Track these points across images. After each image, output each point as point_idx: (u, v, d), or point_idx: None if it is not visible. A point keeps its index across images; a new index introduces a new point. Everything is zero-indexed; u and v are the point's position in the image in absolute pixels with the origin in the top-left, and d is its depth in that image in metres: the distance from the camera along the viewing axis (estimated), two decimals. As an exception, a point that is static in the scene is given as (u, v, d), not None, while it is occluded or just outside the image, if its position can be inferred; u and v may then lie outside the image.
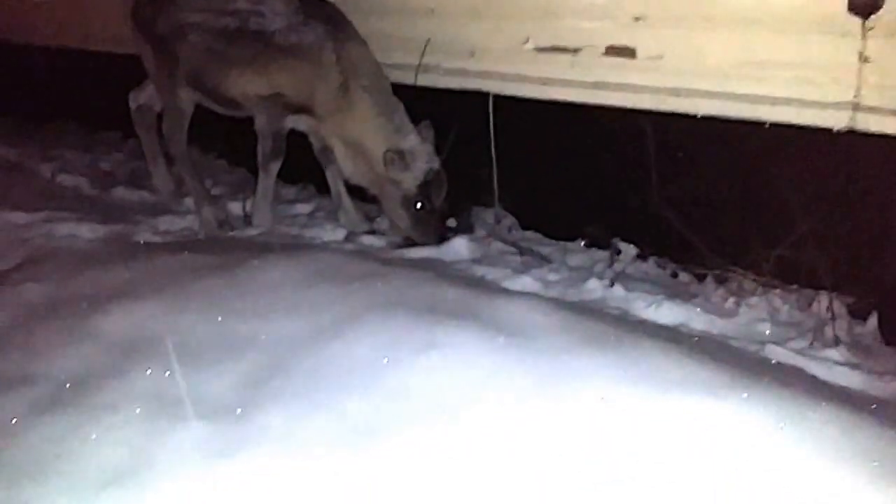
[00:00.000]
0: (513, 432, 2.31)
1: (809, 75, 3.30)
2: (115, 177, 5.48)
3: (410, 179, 4.07)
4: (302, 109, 4.32)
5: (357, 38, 4.23)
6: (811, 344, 3.09)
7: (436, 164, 4.08)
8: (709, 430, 2.23)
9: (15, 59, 6.87)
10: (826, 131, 3.28)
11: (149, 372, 2.67)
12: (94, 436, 2.42)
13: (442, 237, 4.14)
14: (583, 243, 4.16)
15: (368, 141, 4.15)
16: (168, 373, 2.67)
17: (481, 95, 4.28)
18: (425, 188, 4.07)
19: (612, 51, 3.79)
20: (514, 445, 2.27)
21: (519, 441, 2.28)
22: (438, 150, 4.14)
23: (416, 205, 4.10)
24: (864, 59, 3.16)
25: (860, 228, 3.35)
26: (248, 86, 4.34)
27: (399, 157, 4.00)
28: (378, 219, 4.67)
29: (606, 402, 2.38)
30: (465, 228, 4.32)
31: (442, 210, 4.16)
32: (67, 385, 2.66)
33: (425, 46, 4.36)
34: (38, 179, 5.24)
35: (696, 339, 3.07)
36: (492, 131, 4.31)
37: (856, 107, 3.21)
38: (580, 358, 2.58)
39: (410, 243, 4.22)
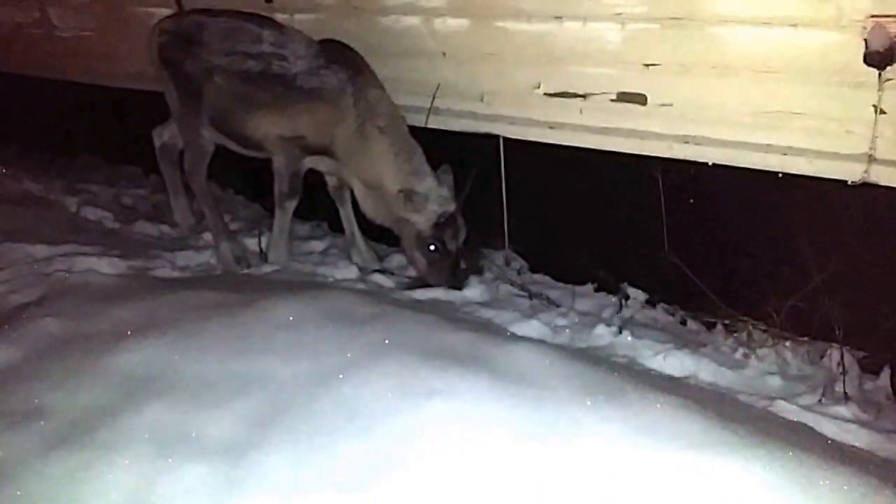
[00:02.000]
0: (512, 482, 2.31)
1: (823, 126, 3.29)
2: (136, 211, 5.57)
3: (423, 221, 4.09)
4: (321, 151, 4.36)
5: (375, 82, 4.27)
6: (821, 400, 3.06)
7: (451, 208, 4.09)
8: (709, 490, 2.22)
9: (43, 94, 6.99)
10: (840, 183, 3.26)
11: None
12: (101, 472, 2.47)
13: (456, 282, 4.16)
14: (592, 288, 4.16)
15: (385, 181, 4.17)
16: (175, 411, 2.71)
17: (492, 138, 4.31)
18: (438, 231, 4.08)
19: (623, 97, 3.80)
20: (512, 495, 2.27)
21: (517, 491, 2.28)
22: (458, 193, 4.16)
23: (429, 246, 4.12)
24: (879, 111, 3.15)
25: (874, 281, 3.31)
26: (270, 128, 4.39)
27: (410, 197, 4.03)
28: (388, 258, 4.72)
29: (607, 454, 2.37)
30: (475, 270, 4.32)
31: (458, 253, 4.16)
32: (78, 421, 2.72)
33: (436, 90, 4.40)
34: (63, 213, 5.32)
35: (703, 392, 3.05)
36: (502, 174, 4.33)
37: (870, 159, 3.20)
38: (583, 409, 2.57)
39: (420, 284, 4.24)
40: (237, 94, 4.42)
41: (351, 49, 4.35)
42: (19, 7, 7.09)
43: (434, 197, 4.08)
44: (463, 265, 4.26)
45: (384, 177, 4.18)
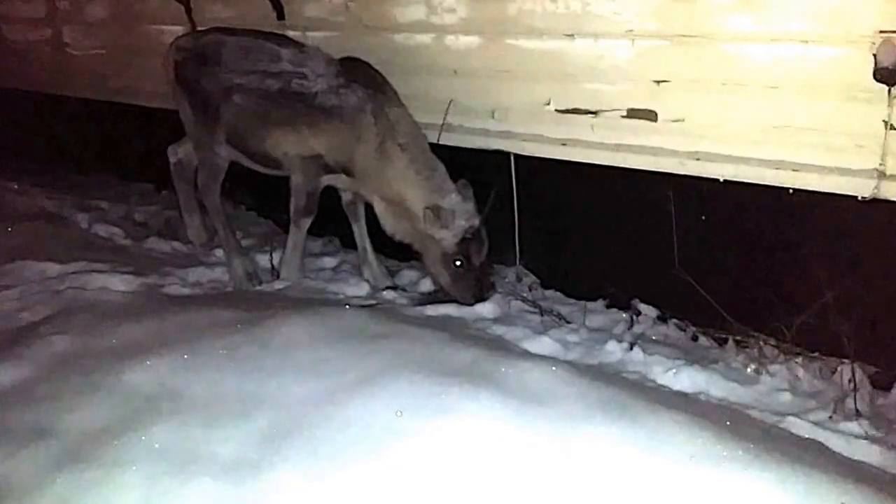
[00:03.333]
0: (523, 498, 2.31)
1: (834, 142, 3.29)
2: (148, 227, 5.59)
3: (450, 237, 4.05)
4: (340, 170, 4.36)
5: (395, 100, 4.27)
6: (832, 416, 3.04)
7: (475, 223, 4.06)
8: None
9: (54, 111, 7.05)
10: (851, 198, 3.26)
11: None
12: (110, 491, 2.47)
13: (481, 297, 4.11)
14: (604, 304, 4.14)
15: (408, 198, 4.15)
16: (185, 429, 2.71)
17: (503, 155, 4.31)
18: (464, 246, 4.05)
19: (634, 113, 3.81)
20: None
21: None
22: (479, 208, 4.15)
23: (454, 262, 4.09)
24: (889, 126, 3.14)
25: (885, 297, 3.30)
26: (289, 146, 4.39)
27: (437, 214, 4.00)
28: (399, 274, 4.72)
29: (618, 470, 2.37)
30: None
31: (482, 268, 4.13)
32: (87, 439, 2.72)
33: (448, 107, 4.41)
34: (75, 229, 5.34)
35: (714, 409, 3.03)
36: (514, 190, 4.33)
37: (881, 175, 3.19)
38: (596, 426, 2.57)
39: (432, 300, 4.24)
40: (256, 113, 4.42)
41: (371, 67, 4.35)
42: (32, 25, 7.17)
43: (460, 212, 4.05)
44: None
45: (407, 194, 4.15)
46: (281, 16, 5.06)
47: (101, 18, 6.49)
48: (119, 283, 4.23)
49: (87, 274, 4.28)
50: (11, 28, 7.51)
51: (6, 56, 7.54)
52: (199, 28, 5.38)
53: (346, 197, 4.66)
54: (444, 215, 4.01)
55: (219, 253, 4.93)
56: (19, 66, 7.40)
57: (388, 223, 4.35)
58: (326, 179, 4.46)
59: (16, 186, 6.09)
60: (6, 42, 7.56)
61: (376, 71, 4.34)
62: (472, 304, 4.10)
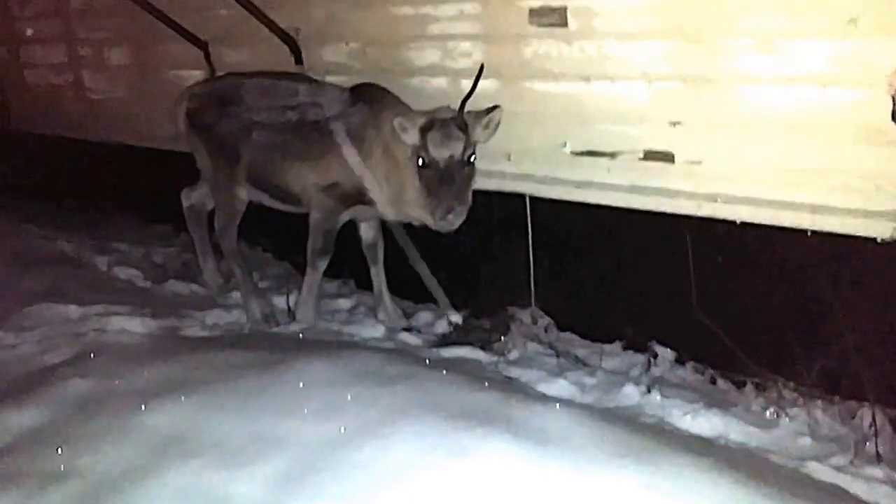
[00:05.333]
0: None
1: (852, 183, 3.28)
2: (167, 269, 5.62)
3: (414, 133, 3.91)
4: (358, 199, 4.35)
5: (397, 104, 4.23)
6: (853, 460, 3.00)
7: (445, 115, 3.91)
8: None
9: (76, 154, 7.13)
10: (870, 241, 3.23)
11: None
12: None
13: (448, 206, 3.82)
14: (620, 346, 4.11)
15: (398, 154, 4.10)
16: (203, 471, 2.71)
17: (519, 197, 4.32)
18: (424, 137, 3.87)
19: (650, 155, 3.82)
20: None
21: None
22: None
23: (418, 160, 3.92)
24: (908, 168, 3.14)
25: (905, 340, 3.28)
26: (307, 177, 4.41)
27: (406, 119, 3.91)
28: (415, 315, 4.72)
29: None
30: (502, 329, 4.29)
31: (448, 173, 3.86)
32: (106, 481, 2.73)
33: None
34: (95, 272, 5.39)
35: (733, 453, 3.01)
36: (529, 232, 4.33)
37: (901, 217, 3.18)
38: (614, 470, 2.55)
39: (447, 342, 4.24)
40: (275, 146, 4.47)
41: (379, 86, 4.39)
42: (54, 70, 7.30)
43: (428, 114, 3.93)
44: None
45: (397, 152, 4.09)
46: (299, 60, 5.13)
47: (121, 63, 6.60)
48: (139, 326, 4.27)
49: (107, 316, 4.32)
50: (34, 73, 7.65)
51: (29, 100, 7.67)
52: (218, 73, 5.46)
53: (366, 239, 4.66)
54: (411, 117, 3.94)
55: (236, 295, 4.95)
56: (41, 111, 7.52)
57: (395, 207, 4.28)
58: (347, 215, 4.46)
59: (36, 229, 6.15)
60: (29, 87, 7.70)
61: (383, 88, 4.37)
62: (444, 224, 3.87)
